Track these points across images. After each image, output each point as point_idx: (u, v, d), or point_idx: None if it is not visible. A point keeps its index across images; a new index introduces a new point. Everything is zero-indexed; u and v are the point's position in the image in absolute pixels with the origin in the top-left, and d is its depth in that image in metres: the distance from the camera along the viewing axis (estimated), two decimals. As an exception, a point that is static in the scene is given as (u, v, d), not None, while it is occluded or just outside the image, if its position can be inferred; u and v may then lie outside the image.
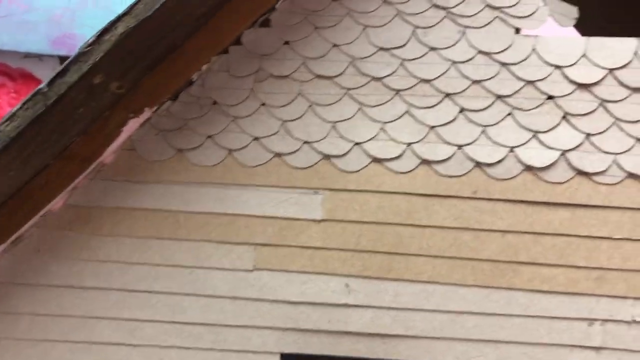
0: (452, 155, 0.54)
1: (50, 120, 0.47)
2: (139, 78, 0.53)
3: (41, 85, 0.46)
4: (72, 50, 1.23)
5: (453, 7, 0.55)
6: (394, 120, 0.55)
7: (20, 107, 0.46)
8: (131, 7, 0.45)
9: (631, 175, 0.53)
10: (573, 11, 0.56)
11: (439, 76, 0.55)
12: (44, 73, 1.23)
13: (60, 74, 0.46)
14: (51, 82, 0.45)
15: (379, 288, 0.54)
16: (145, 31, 0.47)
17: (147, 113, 0.55)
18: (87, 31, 1.21)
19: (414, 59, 0.55)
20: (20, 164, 0.50)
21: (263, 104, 0.56)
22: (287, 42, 0.56)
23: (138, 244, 0.56)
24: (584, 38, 0.54)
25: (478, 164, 0.54)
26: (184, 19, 0.50)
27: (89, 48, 0.45)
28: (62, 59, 1.23)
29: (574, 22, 0.56)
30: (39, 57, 1.24)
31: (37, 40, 1.20)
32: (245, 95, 0.56)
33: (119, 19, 0.46)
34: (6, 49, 1.17)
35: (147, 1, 0.45)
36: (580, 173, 0.53)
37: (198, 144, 0.56)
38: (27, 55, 1.21)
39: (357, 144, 0.55)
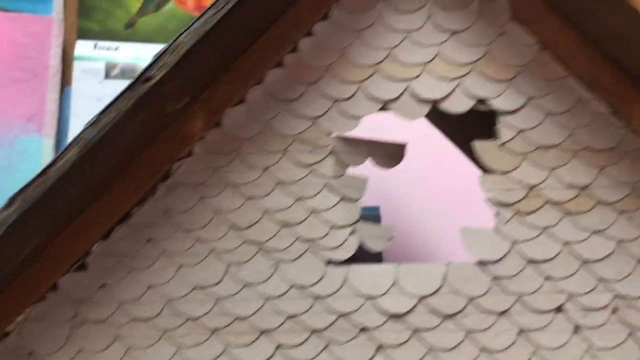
0: (271, 394, 0.53)
1: None
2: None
3: None
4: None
5: (266, 241, 0.55)
6: (214, 359, 0.54)
7: None
8: None
9: (448, 404, 0.53)
10: (388, 231, 0.57)
11: (254, 313, 0.54)
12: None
13: None
14: None
15: None
16: None
17: (-39, 369, 0.54)
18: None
19: (229, 296, 0.55)
20: None
21: (80, 350, 0.55)
22: (103, 286, 0.55)
23: None
24: (394, 265, 0.55)
25: (297, 402, 0.53)
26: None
27: None
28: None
29: (389, 243, 0.57)
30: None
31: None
32: (62, 342, 0.55)
33: None
34: None
35: None
36: (398, 405, 0.53)
37: (14, 398, 0.54)
38: None
39: (175, 387, 0.54)
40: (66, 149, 0.47)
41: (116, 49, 1.27)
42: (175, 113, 0.55)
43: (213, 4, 0.46)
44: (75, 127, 1.28)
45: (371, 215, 1.15)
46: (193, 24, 0.46)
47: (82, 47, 1.27)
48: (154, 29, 1.31)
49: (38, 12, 1.26)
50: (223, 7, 0.46)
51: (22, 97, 1.23)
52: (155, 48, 1.24)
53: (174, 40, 0.46)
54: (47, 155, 1.22)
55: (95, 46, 1.27)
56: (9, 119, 1.22)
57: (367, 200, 1.28)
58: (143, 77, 0.46)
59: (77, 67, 1.28)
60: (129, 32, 1.30)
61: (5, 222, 0.46)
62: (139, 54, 1.27)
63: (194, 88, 0.54)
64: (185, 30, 0.46)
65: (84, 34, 1.29)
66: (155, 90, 0.48)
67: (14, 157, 1.22)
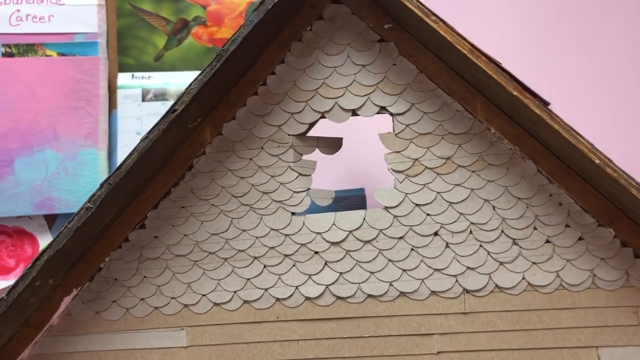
0: (261, 296, 0.88)
1: (9, 315, 0.82)
2: (66, 273, 0.88)
3: (2, 296, 0.80)
4: (52, 210, 1.59)
5: (253, 203, 0.90)
6: (225, 277, 0.89)
7: (-11, 309, 0.80)
8: (50, 244, 0.80)
9: (371, 296, 0.86)
10: (330, 193, 0.91)
11: (249, 247, 0.89)
12: (34, 227, 1.59)
13: (13, 287, 0.80)
14: (8, 293, 0.80)
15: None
16: (63, 253, 0.82)
17: (75, 292, 0.90)
18: (62, 194, 1.58)
19: (233, 238, 0.89)
20: (-3, 338, 0.84)
21: (144, 277, 0.90)
22: (156, 237, 0.91)
23: (77, 375, 0.89)
24: (333, 213, 0.88)
25: (278, 299, 0.87)
26: (89, 237, 0.85)
27: (28, 270, 0.80)
28: (46, 217, 1.59)
29: (330, 201, 0.91)
30: (29, 216, 1.62)
31: (24, 206, 1.58)
32: (133, 272, 0.90)
33: (44, 251, 0.81)
34: (2, 216, 1.56)
35: (64, 232, 0.80)
36: (339, 298, 0.86)
37: (107, 307, 0.90)
38: (19, 217, 1.59)
39: (203, 295, 0.89)
40: (130, 154, 0.82)
41: (149, 77, 1.63)
42: (194, 128, 0.89)
43: (209, 64, 0.81)
44: (122, 141, 1.64)
45: (358, 196, 1.46)
46: (198, 76, 0.81)
47: (123, 78, 1.63)
48: (178, 60, 1.66)
49: (87, 54, 1.62)
50: (215, 65, 0.81)
51: (80, 120, 1.60)
52: (179, 75, 1.62)
53: (189, 87, 0.81)
54: (102, 163, 1.59)
55: (132, 77, 1.63)
56: (72, 138, 1.59)
57: (355, 183, 1.61)
58: (171, 109, 0.81)
59: (120, 94, 1.64)
60: (158, 64, 1.65)
61: (99, 199, 0.81)
62: (167, 80, 1.62)
63: (204, 112, 0.89)
64: (194, 80, 0.81)
65: (123, 68, 1.64)
66: (179, 117, 0.82)
67: (77, 166, 1.59)
